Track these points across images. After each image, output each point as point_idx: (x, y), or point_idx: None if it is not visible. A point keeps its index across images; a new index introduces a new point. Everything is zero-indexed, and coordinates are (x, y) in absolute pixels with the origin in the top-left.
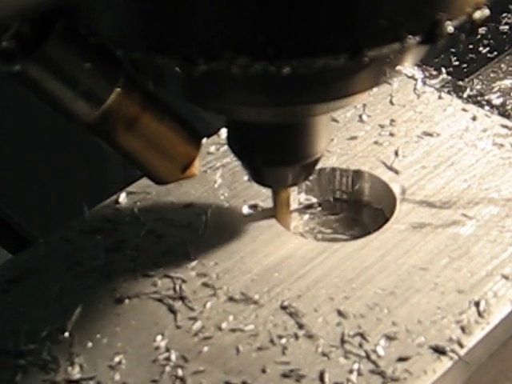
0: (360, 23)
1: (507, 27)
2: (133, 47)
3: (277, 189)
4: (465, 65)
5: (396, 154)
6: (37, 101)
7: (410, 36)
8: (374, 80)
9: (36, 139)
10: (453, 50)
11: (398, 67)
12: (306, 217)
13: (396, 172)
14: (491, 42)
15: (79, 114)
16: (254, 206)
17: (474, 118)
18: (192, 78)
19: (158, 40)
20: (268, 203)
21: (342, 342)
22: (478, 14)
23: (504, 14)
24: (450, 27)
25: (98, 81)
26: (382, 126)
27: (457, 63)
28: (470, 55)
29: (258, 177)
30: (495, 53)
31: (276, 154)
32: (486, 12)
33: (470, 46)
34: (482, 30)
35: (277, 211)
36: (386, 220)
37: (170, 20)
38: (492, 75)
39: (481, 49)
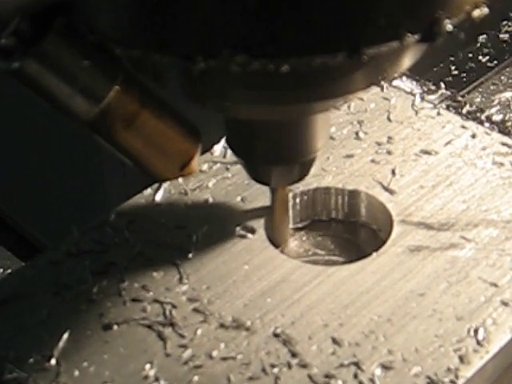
0: (359, 21)
1: (507, 35)
2: (131, 45)
3: (275, 187)
4: (464, 74)
5: (393, 173)
6: (37, 105)
7: (409, 34)
8: (373, 78)
9: (37, 141)
10: (452, 58)
11: (398, 67)
12: (301, 238)
13: (393, 192)
14: (491, 50)
15: (78, 112)
16: (246, 228)
17: (474, 136)
18: (191, 76)
19: (156, 38)
20: (260, 224)
21: (337, 371)
22: (476, 13)
23: (504, 22)
24: (448, 25)
25: (96, 78)
26: (379, 144)
27: (456, 72)
28: (470, 64)
29: (256, 175)
30: (495, 62)
31: (274, 152)
32: (485, 10)
33: (470, 55)
34: (481, 39)
35: (274, 210)
36: (383, 241)
37: (169, 18)
38: (492, 87)
39: (480, 58)
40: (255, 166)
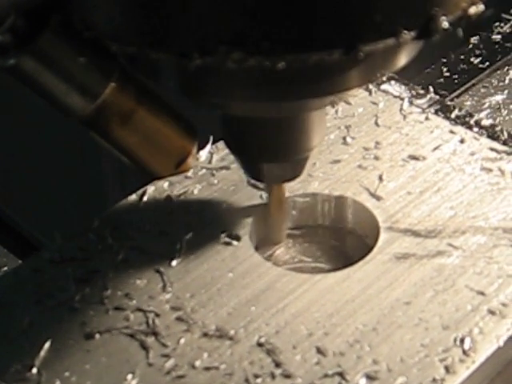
0: (355, 18)
1: (499, 37)
2: (127, 42)
3: (271, 184)
4: (456, 76)
5: (380, 178)
6: (34, 102)
7: (405, 31)
8: (369, 75)
9: (35, 139)
10: (444, 60)
11: (394, 63)
12: (287, 245)
13: (380, 198)
14: (483, 51)
15: (74, 109)
16: (231, 235)
17: (462, 141)
18: (187, 73)
19: (152, 35)
20: (246, 232)
21: (321, 381)
22: (473, 10)
23: (496, 23)
24: (444, 22)
25: (92, 75)
26: (366, 149)
27: (448, 74)
28: (462, 66)
29: (252, 172)
30: (487, 63)
31: (270, 149)
32: (481, 7)
33: (462, 57)
34: (473, 40)
35: (270, 207)
36: (370, 248)
37: (165, 15)
38: (483, 90)
39: (472, 59)
40: (250, 164)
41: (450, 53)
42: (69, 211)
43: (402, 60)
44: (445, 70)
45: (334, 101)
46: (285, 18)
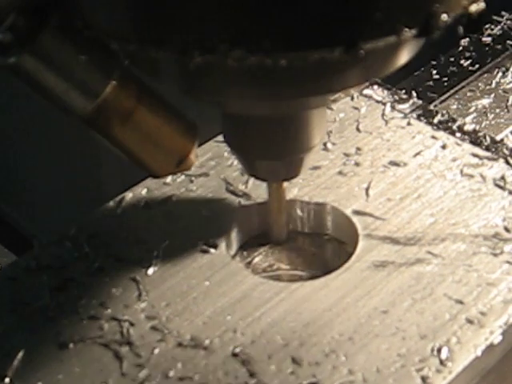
0: (356, 16)
1: (490, 39)
2: (128, 40)
3: (271, 182)
4: (445, 78)
5: (361, 185)
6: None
7: (406, 29)
8: (369, 73)
9: (35, 137)
10: (433, 62)
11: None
12: (266, 252)
13: (360, 205)
14: (473, 54)
15: (74, 107)
16: (209, 243)
17: (444, 147)
18: (187, 71)
19: (153, 33)
20: (223, 239)
21: None
22: (473, 8)
23: (487, 26)
24: (445, 20)
25: (93, 73)
26: (347, 155)
27: (437, 77)
28: (452, 68)
29: (252, 170)
30: (477, 66)
31: (270, 147)
32: (482, 5)
33: (452, 59)
34: (464, 42)
35: (270, 205)
36: (350, 255)
37: (166, 12)
38: (469, 94)
39: (462, 62)
40: (251, 162)
41: (440, 55)
42: (66, 206)
43: (404, 58)
44: (434, 72)
45: (334, 99)
46: (285, 16)
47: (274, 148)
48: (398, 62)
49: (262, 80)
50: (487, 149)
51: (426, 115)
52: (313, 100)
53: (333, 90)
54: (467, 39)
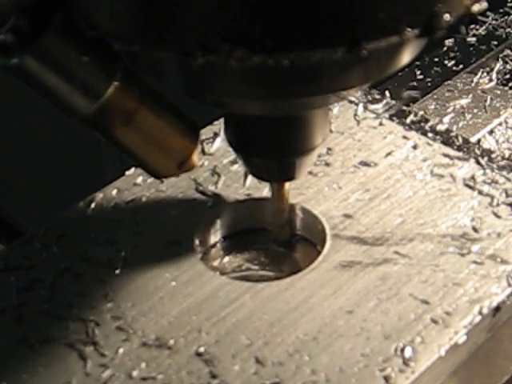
0: (358, 16)
1: (474, 39)
2: (130, 40)
3: (274, 182)
4: (429, 79)
5: (331, 185)
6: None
7: (409, 29)
8: (372, 73)
9: (31, 132)
10: (417, 63)
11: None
12: (234, 252)
13: (329, 205)
14: (457, 54)
15: (77, 108)
16: (177, 242)
17: (415, 147)
18: (190, 72)
19: (155, 33)
20: (192, 240)
21: None
22: (476, 7)
23: (472, 26)
24: (448, 20)
25: (95, 74)
26: (317, 155)
27: (421, 77)
28: (435, 68)
29: (254, 170)
30: (461, 66)
31: (272, 147)
32: (484, 5)
33: (436, 59)
34: (448, 42)
35: (273, 204)
36: (318, 255)
37: (168, 13)
38: (447, 94)
39: (446, 62)
40: (253, 162)
41: (424, 55)
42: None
43: (406, 58)
44: (418, 72)
45: (335, 100)
46: (288, 16)
47: (276, 148)
48: (400, 62)
49: (264, 80)
50: (459, 149)
51: (399, 115)
52: (314, 100)
53: (335, 91)
54: (452, 39)
